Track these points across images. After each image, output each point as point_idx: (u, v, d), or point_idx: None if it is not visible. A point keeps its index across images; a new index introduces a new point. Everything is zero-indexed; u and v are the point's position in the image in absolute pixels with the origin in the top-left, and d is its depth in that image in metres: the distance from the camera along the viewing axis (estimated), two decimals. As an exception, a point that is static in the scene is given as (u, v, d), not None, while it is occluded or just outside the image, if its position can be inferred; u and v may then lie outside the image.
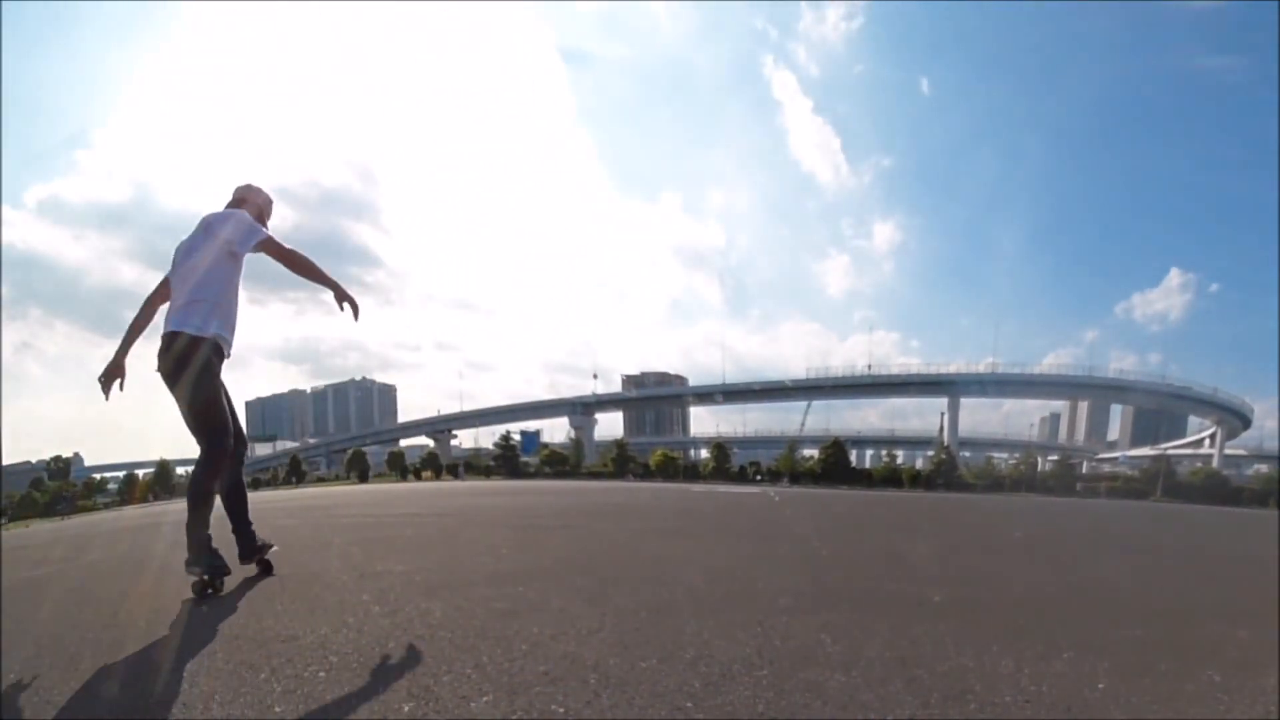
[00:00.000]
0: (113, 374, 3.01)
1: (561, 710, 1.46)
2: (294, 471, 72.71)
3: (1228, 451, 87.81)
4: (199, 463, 2.81)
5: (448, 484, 27.82)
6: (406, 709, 1.46)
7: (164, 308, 2.95)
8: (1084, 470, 75.89)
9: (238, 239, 2.96)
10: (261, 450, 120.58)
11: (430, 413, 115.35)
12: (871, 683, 1.68)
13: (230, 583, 2.91)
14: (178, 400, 2.82)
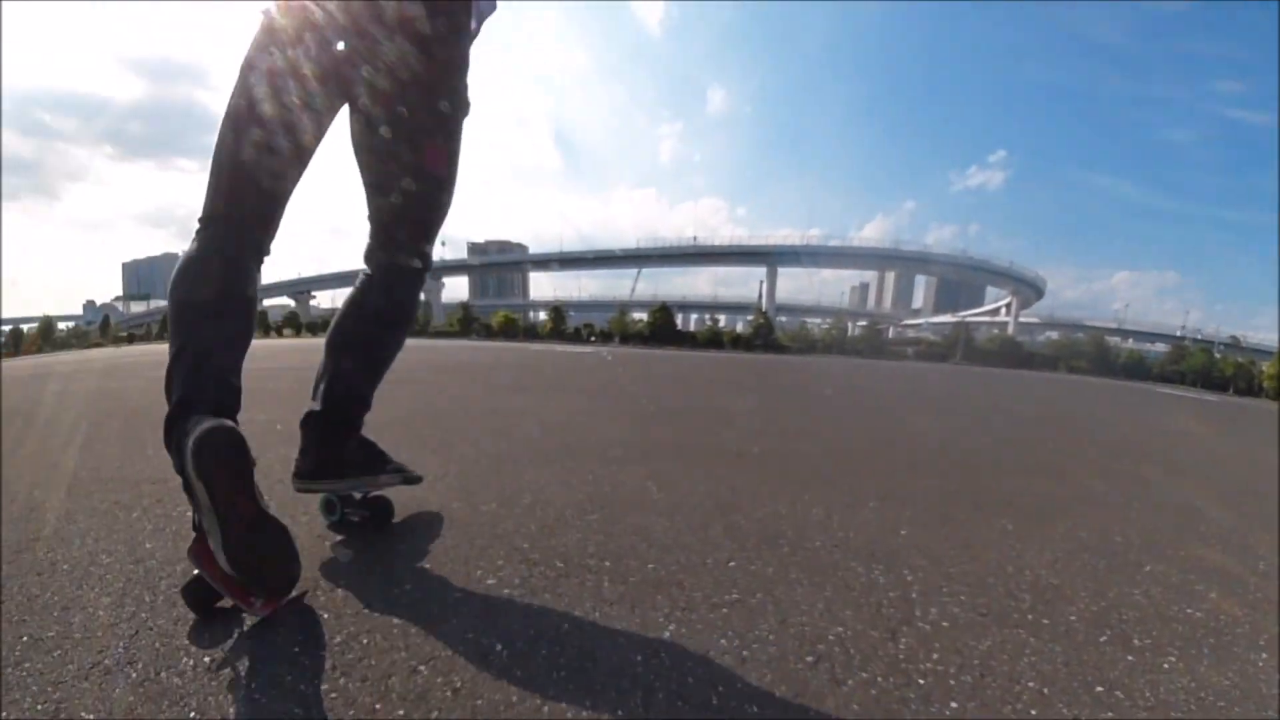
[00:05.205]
0: None
1: (408, 549, 1.77)
2: (165, 328, 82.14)
3: (1022, 319, 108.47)
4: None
5: (304, 340, 28.61)
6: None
7: None
8: (890, 335, 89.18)
9: None
10: (136, 308, 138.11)
11: (290, 275, 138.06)
12: (693, 527, 2.06)
13: (108, 428, 3.32)
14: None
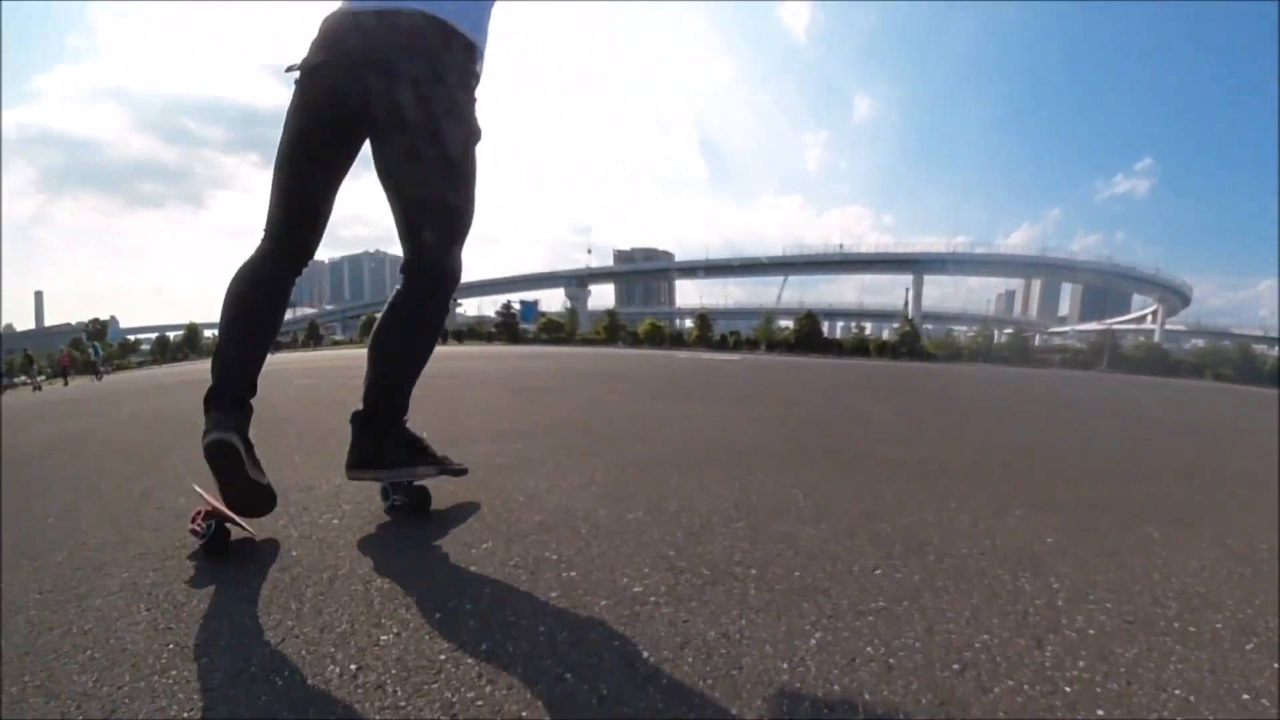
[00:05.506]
0: None
1: (554, 556, 1.75)
2: (312, 335, 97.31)
3: (1168, 327, 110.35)
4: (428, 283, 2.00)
5: (451, 348, 30.25)
6: (412, 554, 1.76)
7: None
8: (1036, 343, 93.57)
9: None
10: None
11: None
12: (839, 534, 2.02)
13: (253, 436, 2.64)
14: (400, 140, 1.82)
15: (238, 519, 1.83)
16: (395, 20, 1.77)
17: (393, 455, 2.06)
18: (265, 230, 1.91)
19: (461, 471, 2.27)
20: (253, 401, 1.83)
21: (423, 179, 1.87)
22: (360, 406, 2.05)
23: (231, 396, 1.77)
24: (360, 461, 2.03)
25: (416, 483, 2.16)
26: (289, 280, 1.96)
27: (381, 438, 2.04)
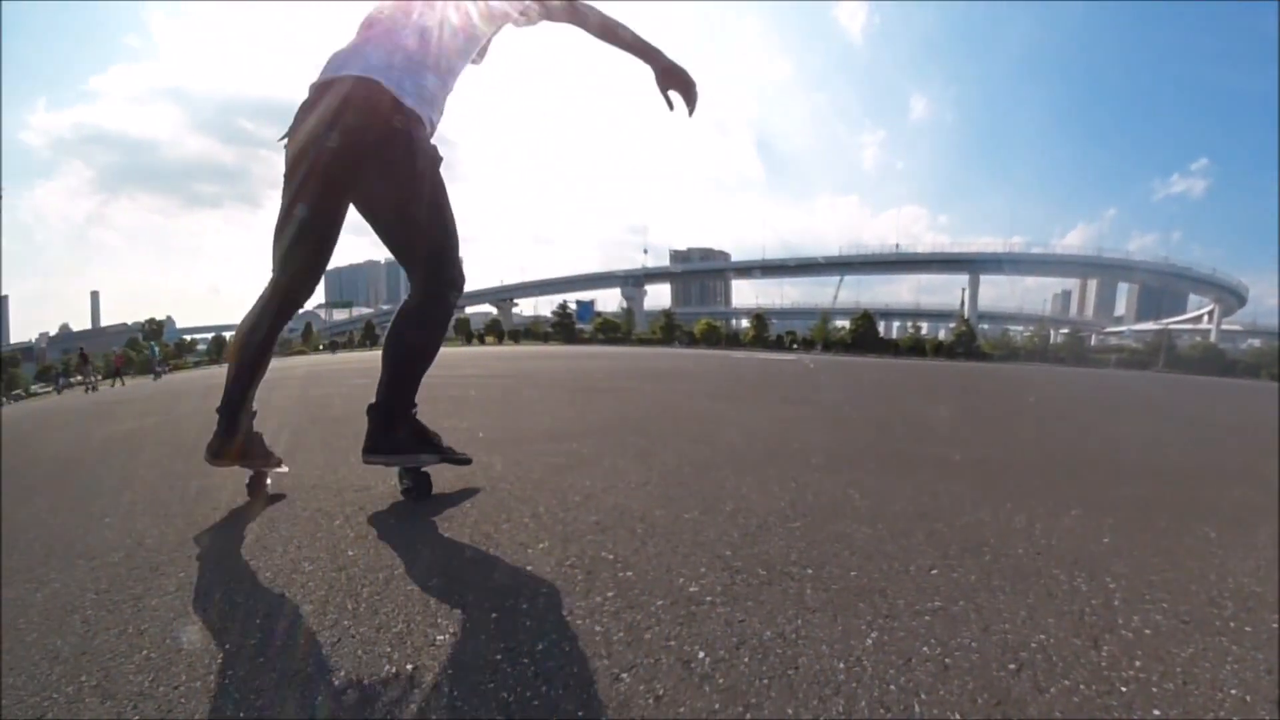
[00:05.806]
0: None
1: (611, 556, 1.75)
2: (368, 335, 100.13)
3: (1224, 327, 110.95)
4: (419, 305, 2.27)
5: (507, 348, 30.85)
6: (469, 554, 1.78)
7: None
8: (1093, 343, 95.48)
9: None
10: (339, 315, 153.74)
11: (493, 283, 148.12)
12: (895, 535, 2.01)
13: (309, 438, 3.23)
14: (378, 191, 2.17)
15: (270, 467, 2.38)
16: (334, 86, 2.05)
17: (402, 443, 2.30)
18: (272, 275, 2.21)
19: (465, 461, 2.48)
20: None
21: (396, 217, 2.24)
22: (373, 400, 2.29)
23: (227, 410, 2.15)
24: (374, 448, 2.27)
25: (423, 469, 2.37)
26: (285, 311, 2.20)
27: (392, 428, 2.27)
